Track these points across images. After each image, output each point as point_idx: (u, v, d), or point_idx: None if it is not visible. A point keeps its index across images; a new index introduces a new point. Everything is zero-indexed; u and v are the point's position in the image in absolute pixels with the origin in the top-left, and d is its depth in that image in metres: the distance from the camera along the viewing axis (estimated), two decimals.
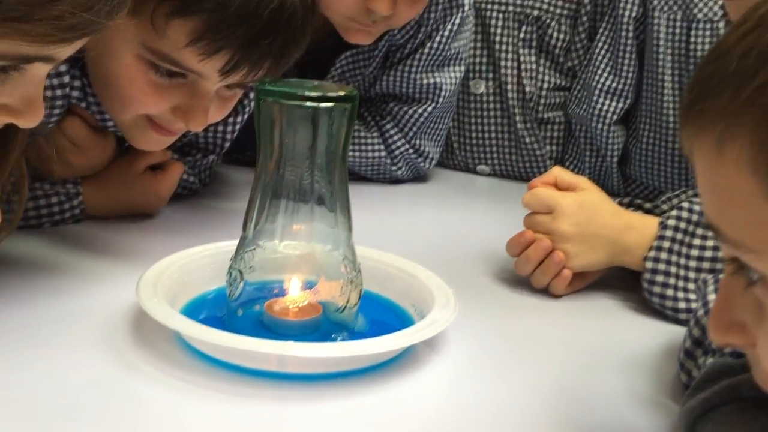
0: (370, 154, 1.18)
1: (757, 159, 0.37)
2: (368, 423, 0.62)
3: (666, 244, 0.80)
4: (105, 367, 0.65)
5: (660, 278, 0.80)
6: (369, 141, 1.18)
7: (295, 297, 0.71)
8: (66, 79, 0.86)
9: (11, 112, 0.62)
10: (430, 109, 1.18)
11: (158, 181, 0.96)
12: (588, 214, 0.83)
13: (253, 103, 1.01)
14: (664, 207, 0.86)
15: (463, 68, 1.20)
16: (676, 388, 0.67)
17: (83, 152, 0.92)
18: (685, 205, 0.81)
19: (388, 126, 1.18)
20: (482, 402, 0.65)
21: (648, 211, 0.88)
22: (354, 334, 0.71)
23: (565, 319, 0.82)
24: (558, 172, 0.88)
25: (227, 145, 1.05)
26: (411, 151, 1.19)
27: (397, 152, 1.19)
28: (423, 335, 0.66)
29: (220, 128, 1.03)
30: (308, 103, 0.66)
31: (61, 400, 0.61)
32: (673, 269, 0.80)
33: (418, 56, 1.15)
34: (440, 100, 1.18)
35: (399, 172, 1.20)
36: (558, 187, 0.86)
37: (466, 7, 1.15)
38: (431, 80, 1.17)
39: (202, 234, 0.90)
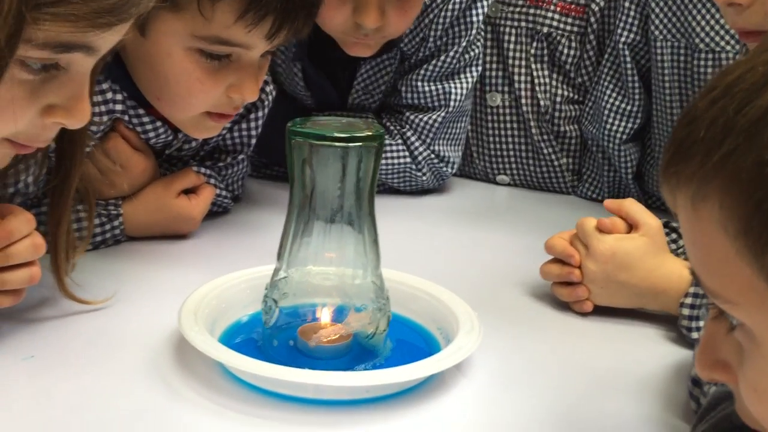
0: (395, 161, 1.20)
1: (727, 220, 0.39)
2: None
3: (702, 290, 0.80)
4: (148, 392, 0.69)
5: (697, 324, 0.80)
6: (394, 148, 1.20)
7: (327, 330, 0.74)
8: (109, 95, 0.92)
9: (60, 112, 0.64)
10: (443, 114, 1.20)
11: (192, 205, 1.00)
12: (616, 266, 0.84)
13: (270, 97, 1.07)
14: None
15: (475, 74, 1.21)
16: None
17: (126, 172, 0.97)
18: None
19: (409, 133, 1.21)
20: (507, 423, 0.69)
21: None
22: (383, 360, 0.75)
23: (592, 340, 0.83)
24: (629, 205, 0.88)
25: (253, 142, 1.09)
26: (433, 156, 1.22)
27: (420, 158, 1.21)
28: (450, 362, 0.70)
29: (244, 126, 1.07)
30: (338, 144, 0.70)
31: (104, 426, 0.64)
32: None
33: (428, 67, 1.18)
34: (452, 104, 1.20)
35: (424, 178, 1.22)
36: (624, 219, 0.87)
37: (475, 26, 1.17)
38: (440, 88, 1.19)
39: (236, 254, 0.94)
